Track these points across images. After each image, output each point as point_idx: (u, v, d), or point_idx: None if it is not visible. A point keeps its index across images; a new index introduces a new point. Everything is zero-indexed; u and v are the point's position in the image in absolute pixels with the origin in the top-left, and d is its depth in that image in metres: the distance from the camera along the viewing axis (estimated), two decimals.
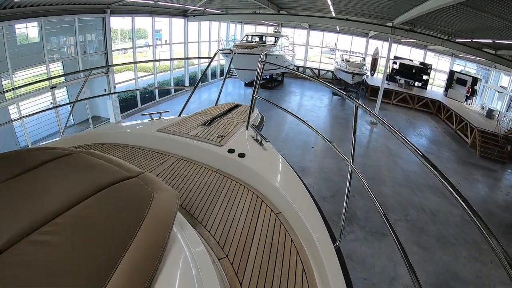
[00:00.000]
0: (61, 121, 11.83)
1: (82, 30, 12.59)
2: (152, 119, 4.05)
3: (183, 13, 19.03)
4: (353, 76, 19.96)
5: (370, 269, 6.40)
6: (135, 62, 16.17)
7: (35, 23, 10.59)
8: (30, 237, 1.19)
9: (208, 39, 23.26)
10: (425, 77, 22.61)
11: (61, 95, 12.68)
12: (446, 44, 14.81)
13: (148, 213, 1.40)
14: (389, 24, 14.87)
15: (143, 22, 17.22)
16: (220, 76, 25.68)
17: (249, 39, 22.62)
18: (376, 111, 15.39)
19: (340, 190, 9.29)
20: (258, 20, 24.25)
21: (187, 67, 21.08)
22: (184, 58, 21.98)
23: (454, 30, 13.90)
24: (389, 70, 21.44)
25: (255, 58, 16.23)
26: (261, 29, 27.54)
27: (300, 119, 3.28)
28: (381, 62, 24.13)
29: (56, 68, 11.95)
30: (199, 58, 22.49)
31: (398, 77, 22.71)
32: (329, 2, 13.98)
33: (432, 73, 23.10)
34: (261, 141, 3.35)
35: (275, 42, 21.63)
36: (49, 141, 3.58)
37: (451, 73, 21.04)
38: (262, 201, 2.59)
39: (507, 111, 16.17)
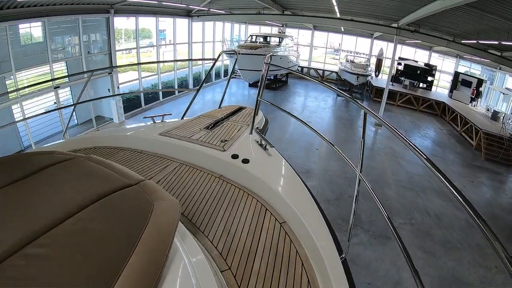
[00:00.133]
0: (64, 121, 11.85)
1: (86, 30, 12.60)
2: (154, 122, 3.98)
3: (187, 13, 19.02)
4: (357, 77, 19.83)
5: (374, 274, 6.34)
6: (138, 64, 16.20)
7: (39, 23, 10.60)
8: (23, 251, 1.14)
9: (212, 39, 23.22)
10: (430, 78, 22.45)
11: (65, 94, 12.70)
12: (451, 45, 14.71)
13: (148, 224, 1.35)
14: (394, 25, 14.79)
15: (147, 22, 17.22)
16: (224, 77, 25.59)
17: (253, 39, 22.60)
18: (380, 113, 15.35)
19: (344, 193, 9.23)
20: (262, 20, 24.21)
21: (191, 67, 21.05)
22: (188, 60, 22.02)
23: (460, 31, 13.80)
24: (393, 71, 21.33)
25: (259, 58, 16.20)
26: (266, 30, 27.50)
27: (307, 124, 3.21)
28: (386, 63, 24.02)
29: (60, 68, 11.97)
30: (203, 59, 22.43)
31: (402, 78, 22.58)
32: (334, 3, 13.91)
33: (437, 74, 22.91)
34: (265, 146, 3.27)
35: (280, 42, 21.56)
36: (50, 144, 3.54)
37: (456, 74, 20.88)
38: (267, 209, 2.52)
39: None
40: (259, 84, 3.50)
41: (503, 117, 15.73)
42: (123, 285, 1.07)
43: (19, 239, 1.17)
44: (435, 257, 7.02)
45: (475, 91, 19.06)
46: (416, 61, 23.18)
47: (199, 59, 20.09)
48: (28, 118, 5.95)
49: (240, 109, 4.75)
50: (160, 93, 18.04)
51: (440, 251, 7.23)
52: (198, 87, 4.56)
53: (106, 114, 14.80)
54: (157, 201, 1.54)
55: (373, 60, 25.15)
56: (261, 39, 22.79)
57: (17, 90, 10.02)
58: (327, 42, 27.94)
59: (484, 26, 11.51)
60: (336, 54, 29.19)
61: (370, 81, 22.73)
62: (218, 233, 2.19)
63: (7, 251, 1.11)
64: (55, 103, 11.82)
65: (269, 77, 22.25)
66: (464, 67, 21.92)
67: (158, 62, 18.90)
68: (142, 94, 16.56)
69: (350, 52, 26.55)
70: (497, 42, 12.32)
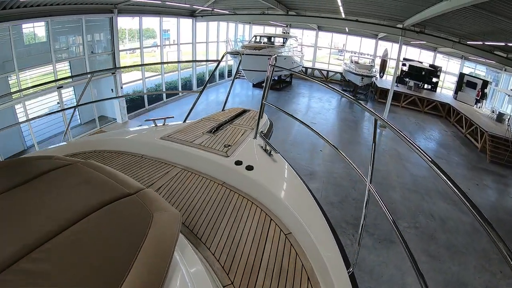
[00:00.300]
0: (67, 121, 11.82)
1: (90, 30, 12.59)
2: (155, 125, 3.91)
3: (191, 13, 19.00)
4: (362, 78, 19.72)
5: (378, 279, 6.27)
6: (142, 65, 16.16)
7: (42, 23, 10.60)
8: (17, 266, 1.09)
9: (216, 39, 23.20)
10: (434, 80, 22.34)
11: (68, 94, 12.70)
12: (457, 46, 14.59)
13: (147, 237, 1.29)
14: (400, 25, 14.68)
15: (151, 22, 17.21)
16: (228, 77, 25.56)
17: (258, 40, 22.56)
18: (385, 114, 15.26)
19: (348, 195, 9.16)
20: (266, 20, 24.16)
21: (194, 67, 21.05)
22: (192, 61, 21.98)
23: (465, 32, 13.68)
24: (398, 72, 21.20)
25: (264, 59, 16.16)
26: (270, 30, 27.46)
27: (312, 128, 3.11)
28: (391, 64, 23.89)
29: (63, 67, 11.96)
30: (206, 61, 22.39)
31: (407, 79, 22.46)
32: (339, 3, 13.83)
33: (442, 75, 22.75)
34: (270, 152, 3.17)
35: (284, 43, 21.53)
36: (51, 147, 3.51)
37: (461, 75, 20.75)
38: (271, 219, 2.43)
39: None
40: (263, 86, 3.41)
41: (509, 119, 15.57)
42: None
43: (13, 253, 1.13)
44: (439, 261, 6.94)
45: (480, 93, 18.91)
46: (421, 62, 23.02)
47: (202, 61, 20.04)
48: (31, 119, 5.93)
49: (244, 112, 4.64)
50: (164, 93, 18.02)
51: (445, 255, 7.15)
52: (201, 90, 4.46)
53: (109, 114, 14.81)
54: (157, 212, 1.48)
55: (378, 61, 25.00)
56: (265, 40, 22.73)
57: (20, 91, 10.02)
58: (331, 43, 27.85)
59: (490, 27, 11.38)
60: (340, 55, 29.04)
61: (374, 82, 22.60)
62: (221, 245, 2.10)
63: (2, 264, 1.08)
64: (58, 103, 11.82)
65: (273, 78, 22.11)
66: (469, 68, 21.75)
67: (161, 63, 18.92)
68: (145, 95, 16.56)
69: (355, 53, 26.46)
70: (503, 44, 12.22)
